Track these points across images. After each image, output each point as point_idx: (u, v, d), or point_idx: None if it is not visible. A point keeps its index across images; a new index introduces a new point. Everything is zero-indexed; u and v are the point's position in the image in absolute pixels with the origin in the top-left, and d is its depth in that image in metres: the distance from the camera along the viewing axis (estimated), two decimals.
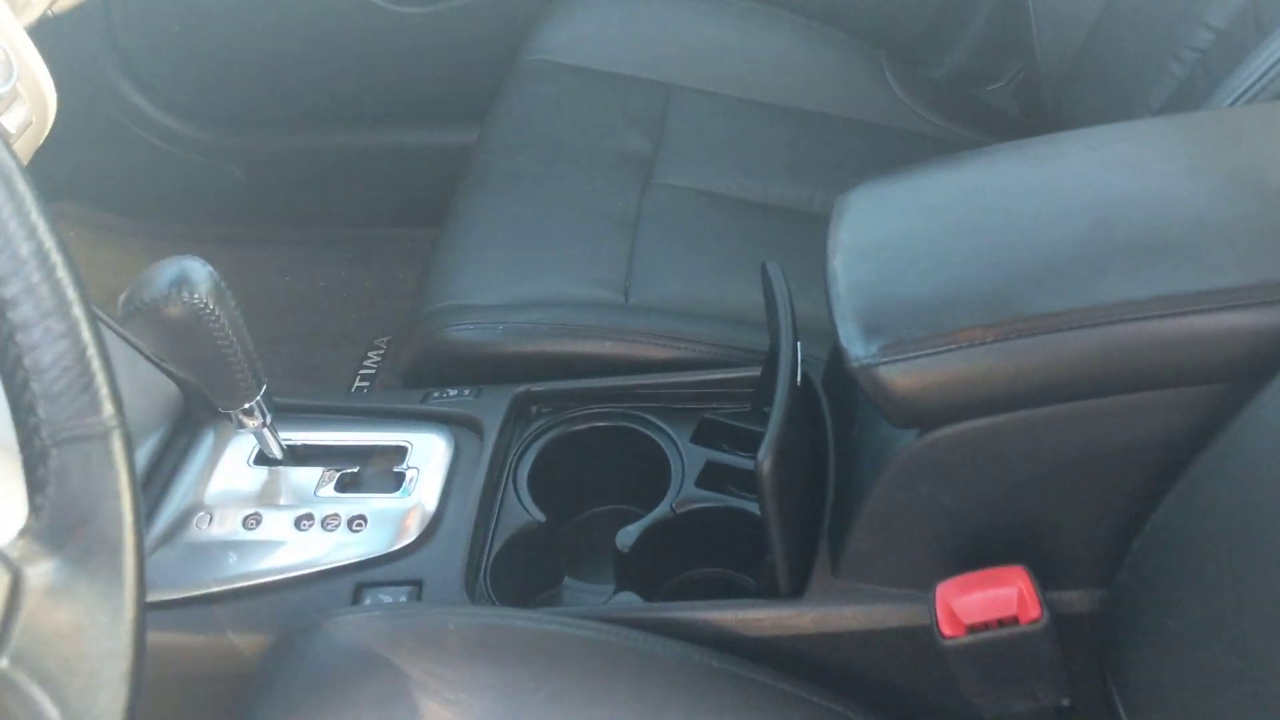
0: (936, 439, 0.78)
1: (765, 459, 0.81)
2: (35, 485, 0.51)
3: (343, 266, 1.87)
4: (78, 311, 0.53)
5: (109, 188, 1.95)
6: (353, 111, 1.85)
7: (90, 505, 0.51)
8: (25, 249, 0.52)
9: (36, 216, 0.52)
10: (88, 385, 0.52)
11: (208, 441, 1.06)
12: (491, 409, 1.07)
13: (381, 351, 1.71)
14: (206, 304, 0.88)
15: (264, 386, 0.96)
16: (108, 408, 0.52)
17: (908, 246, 0.82)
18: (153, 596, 0.95)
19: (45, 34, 1.44)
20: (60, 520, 0.51)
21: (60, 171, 1.91)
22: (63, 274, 0.53)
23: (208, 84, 1.86)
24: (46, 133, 0.98)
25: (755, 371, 1.06)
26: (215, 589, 0.95)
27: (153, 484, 1.03)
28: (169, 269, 0.89)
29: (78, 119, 1.89)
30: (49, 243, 0.53)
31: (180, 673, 0.94)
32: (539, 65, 1.56)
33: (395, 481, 1.00)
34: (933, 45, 1.75)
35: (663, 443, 1.05)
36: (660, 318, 1.16)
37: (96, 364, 0.53)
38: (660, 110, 1.50)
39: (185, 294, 0.88)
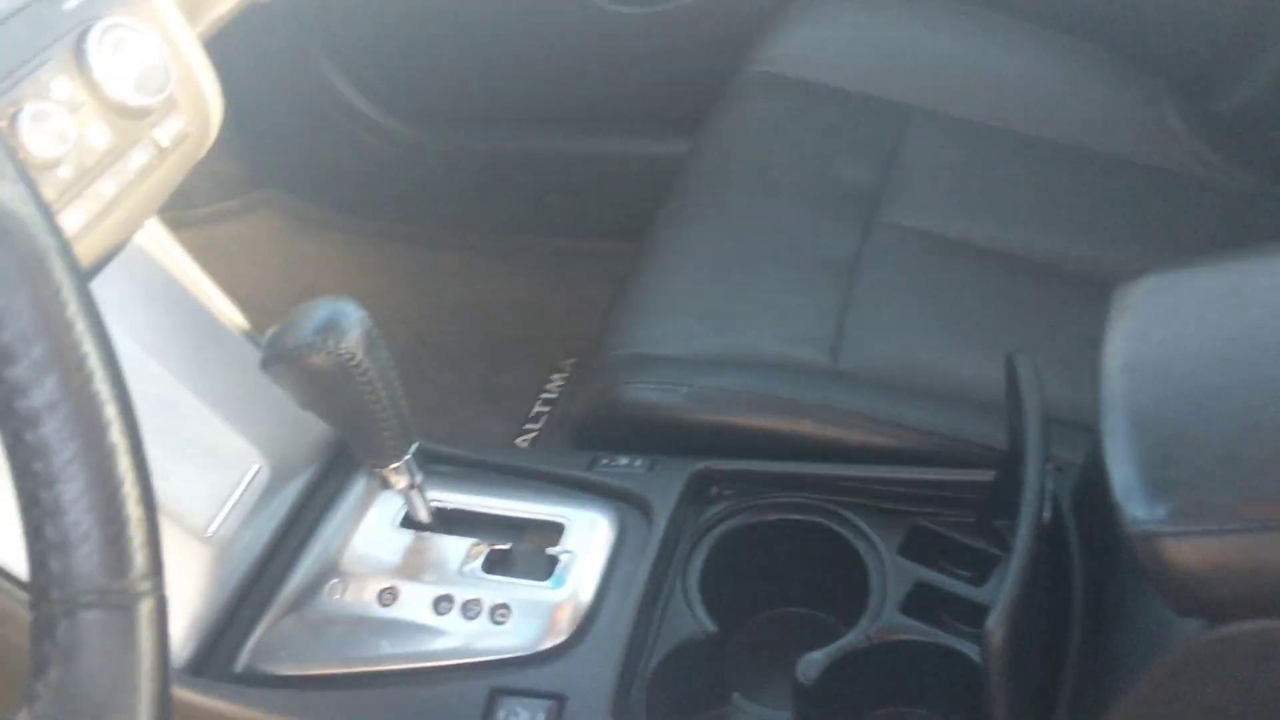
0: (1230, 635, 0.59)
1: (997, 628, 0.64)
2: (36, 665, 0.39)
3: (537, 278, 1.76)
4: (115, 436, 0.41)
5: (313, 178, 1.91)
6: (561, 115, 1.74)
7: (101, 699, 0.39)
8: (53, 351, 0.40)
9: (75, 310, 0.41)
10: (118, 536, 0.40)
11: (356, 491, 0.96)
12: (665, 487, 0.92)
13: (566, 376, 1.60)
14: (354, 355, 0.78)
15: (415, 445, 0.85)
16: (140, 566, 0.40)
17: (1214, 370, 0.62)
18: (269, 669, 0.85)
19: (258, 23, 1.40)
20: (61, 715, 0.39)
21: (267, 158, 1.89)
22: (100, 385, 0.41)
23: (418, 79, 1.78)
24: (207, 146, 0.90)
25: (987, 476, 0.88)
26: (337, 671, 0.84)
27: (290, 537, 0.93)
28: (318, 313, 0.78)
29: (287, 107, 1.87)
30: (86, 345, 0.41)
31: None
32: (762, 77, 1.40)
33: (547, 566, 0.87)
34: (1222, 74, 1.49)
35: (863, 549, 0.89)
36: (873, 395, 0.99)
37: (133, 507, 0.41)
38: (894, 135, 1.32)
39: (332, 343, 0.77)
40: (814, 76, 1.38)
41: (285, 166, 1.90)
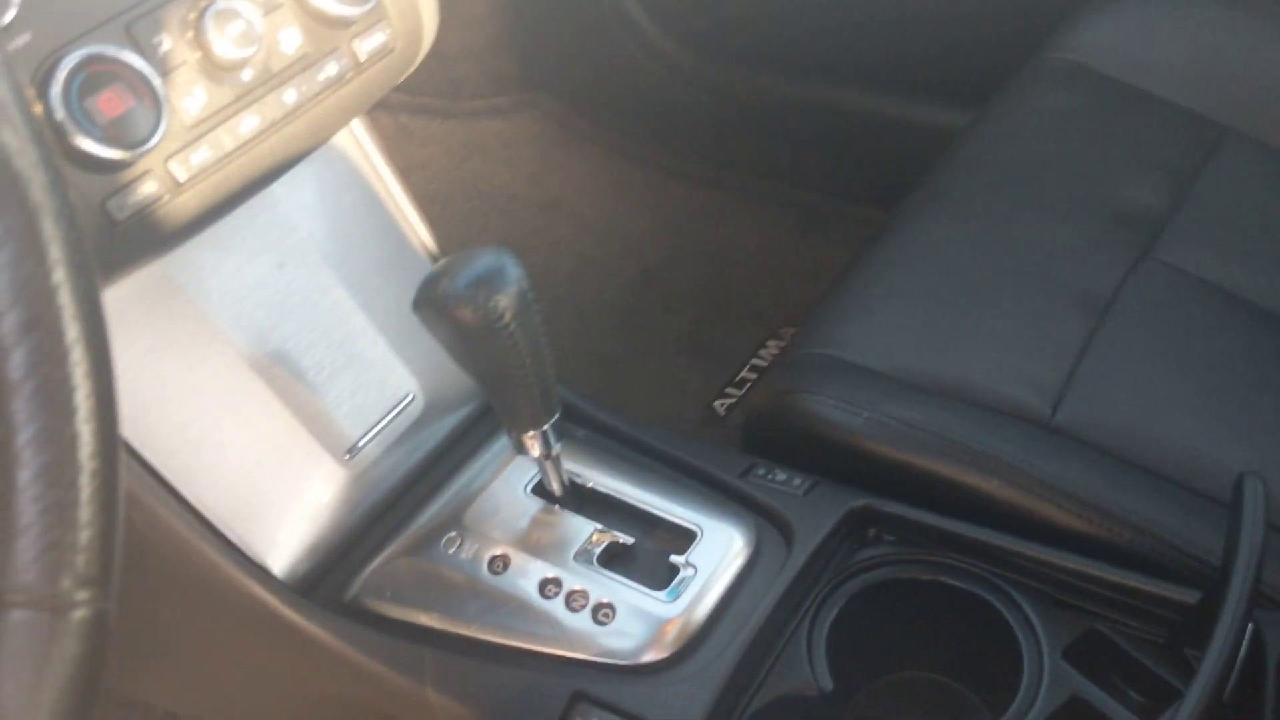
0: None
1: None
2: None
3: (778, 233, 1.67)
4: (80, 424, 0.37)
5: (583, 88, 1.87)
6: (842, 65, 1.62)
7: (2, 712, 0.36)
8: (26, 322, 0.36)
9: (60, 280, 0.37)
10: (62, 536, 0.36)
11: (498, 445, 0.92)
12: (818, 515, 0.83)
13: (783, 343, 1.51)
14: (503, 315, 0.72)
15: (555, 416, 0.80)
16: (81, 571, 0.37)
17: None
18: (373, 606, 0.83)
19: None
20: None
21: (542, 61, 1.87)
22: (75, 366, 0.37)
23: (707, 6, 1.70)
24: (412, 66, 0.86)
25: (1191, 596, 0.74)
26: (433, 624, 0.81)
27: (428, 477, 0.91)
28: (475, 264, 0.73)
29: (570, 13, 1.84)
30: (67, 319, 0.37)
31: (362, 699, 0.82)
32: (1062, 65, 1.24)
33: (667, 574, 0.81)
34: None
35: (1024, 640, 0.77)
36: (1084, 466, 0.85)
37: (85, 506, 0.37)
38: (1199, 157, 1.13)
39: (482, 297, 0.72)
40: (1119, 73, 1.20)
41: (558, 72, 1.88)
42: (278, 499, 0.85)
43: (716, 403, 1.44)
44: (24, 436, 0.36)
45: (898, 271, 1.04)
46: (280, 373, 0.84)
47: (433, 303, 0.73)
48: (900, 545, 0.83)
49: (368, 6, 0.77)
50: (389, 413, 0.90)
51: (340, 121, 0.82)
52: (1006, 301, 1.00)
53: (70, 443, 0.36)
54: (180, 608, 0.90)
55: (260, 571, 0.82)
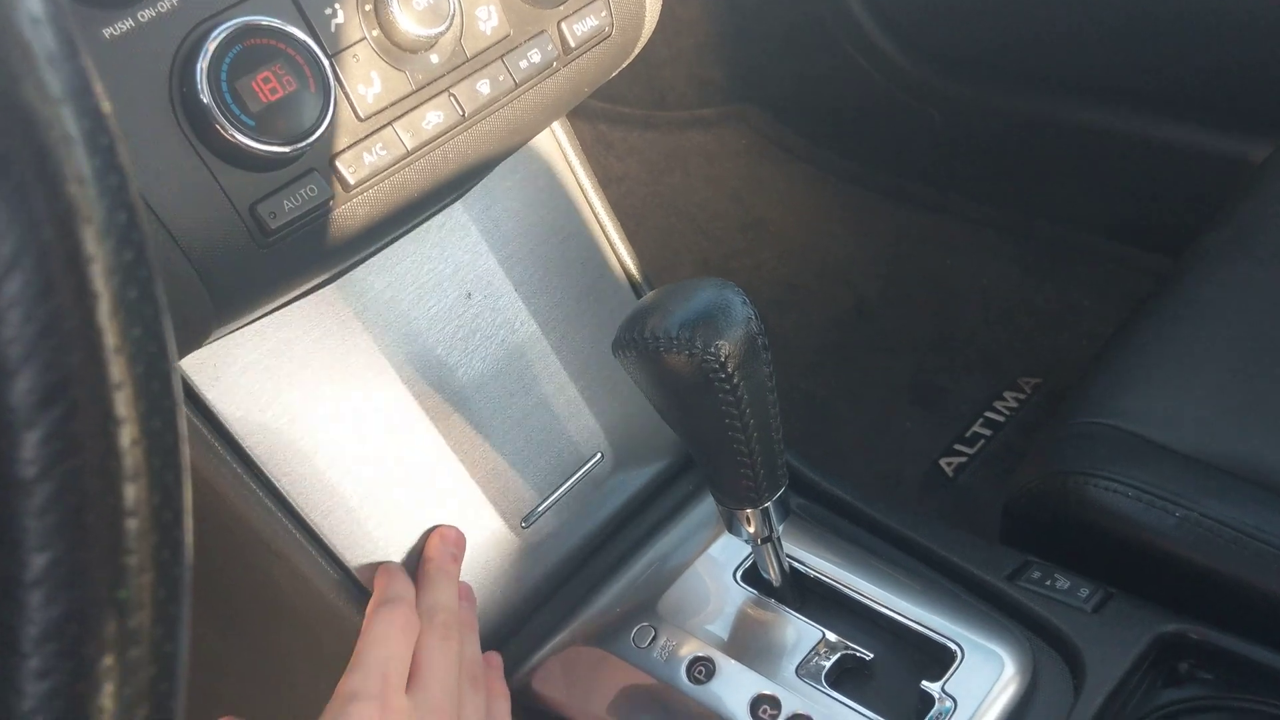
0: None
1: None
2: None
3: (1020, 269, 1.47)
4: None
5: (796, 101, 1.71)
6: (1099, 86, 1.41)
7: None
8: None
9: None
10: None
11: (700, 514, 0.77)
12: (1115, 640, 0.65)
13: (1022, 397, 1.31)
14: (725, 365, 0.57)
15: (780, 490, 0.64)
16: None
17: None
18: (546, 693, 0.69)
19: None
20: None
21: (755, 72, 1.71)
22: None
23: (942, 17, 1.51)
24: (630, 55, 0.71)
25: None
26: None
27: (614, 545, 0.76)
28: (694, 300, 0.59)
29: (790, 23, 1.68)
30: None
31: None
32: None
33: (915, 706, 0.64)
34: None
35: None
36: None
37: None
38: None
39: (700, 343, 0.57)
40: None
41: (770, 83, 1.72)
42: None
43: (943, 461, 1.25)
44: (33, 570, 0.22)
45: (1194, 327, 0.85)
46: (457, 421, 0.70)
47: (637, 345, 0.59)
48: (1221, 687, 0.64)
49: None
50: (574, 475, 0.76)
51: (542, 121, 0.68)
52: None
53: (100, 583, 0.23)
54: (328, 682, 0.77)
55: None
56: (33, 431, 0.22)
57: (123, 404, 0.23)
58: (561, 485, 0.75)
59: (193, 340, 0.57)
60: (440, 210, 0.71)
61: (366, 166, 0.57)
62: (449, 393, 0.70)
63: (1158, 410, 0.77)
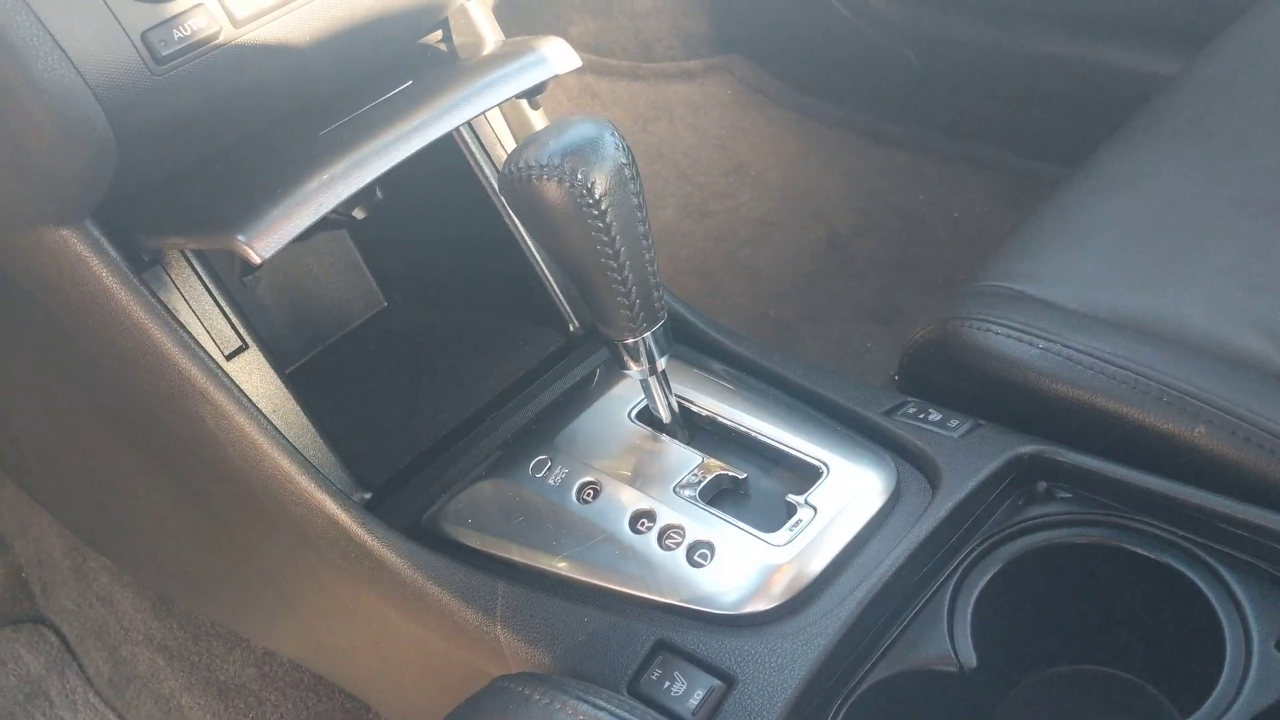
0: None
1: None
2: None
3: (981, 200, 1.50)
4: None
5: (778, 48, 1.75)
6: (1061, 15, 1.43)
7: None
8: None
9: None
10: None
11: (599, 359, 0.82)
12: (974, 458, 0.69)
13: None
14: (592, 191, 0.62)
15: (659, 324, 0.68)
16: None
17: None
18: (449, 530, 0.74)
19: None
20: None
21: (738, 22, 1.76)
22: None
23: None
24: None
25: None
26: (511, 556, 0.71)
27: (521, 387, 0.82)
28: (568, 133, 0.63)
29: None
30: None
31: (434, 638, 0.73)
32: None
33: (781, 515, 0.68)
34: None
35: (1228, 624, 0.60)
36: None
37: None
38: None
39: (569, 168, 0.62)
40: None
41: (753, 33, 1.76)
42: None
43: (895, 374, 1.28)
44: None
45: (1105, 199, 0.88)
46: None
47: (515, 176, 0.64)
48: (1077, 503, 0.68)
49: None
50: None
51: None
52: (1232, 230, 0.81)
53: None
54: (269, 537, 0.83)
55: (333, 488, 0.74)
56: None
57: None
58: None
59: (97, 175, 0.62)
60: None
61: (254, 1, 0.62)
62: None
63: (1050, 272, 0.80)
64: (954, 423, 0.72)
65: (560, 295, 0.89)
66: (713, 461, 0.71)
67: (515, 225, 0.88)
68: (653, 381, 0.71)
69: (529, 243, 0.89)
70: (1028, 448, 0.69)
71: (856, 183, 1.59)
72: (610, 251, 0.64)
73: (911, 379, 0.81)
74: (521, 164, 0.63)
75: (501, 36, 0.85)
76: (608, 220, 0.63)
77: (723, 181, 1.65)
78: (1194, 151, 0.89)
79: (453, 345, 0.90)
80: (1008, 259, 0.84)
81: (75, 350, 0.79)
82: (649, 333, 0.68)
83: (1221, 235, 0.81)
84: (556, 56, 0.77)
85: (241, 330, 0.74)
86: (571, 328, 0.89)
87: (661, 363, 0.70)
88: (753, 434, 0.73)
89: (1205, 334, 0.74)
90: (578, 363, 0.86)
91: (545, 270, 0.89)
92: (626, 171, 0.64)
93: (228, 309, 0.74)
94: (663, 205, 1.63)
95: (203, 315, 0.72)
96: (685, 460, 0.71)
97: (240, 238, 0.64)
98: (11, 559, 1.22)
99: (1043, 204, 0.90)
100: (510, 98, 0.75)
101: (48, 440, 1.05)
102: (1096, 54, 1.42)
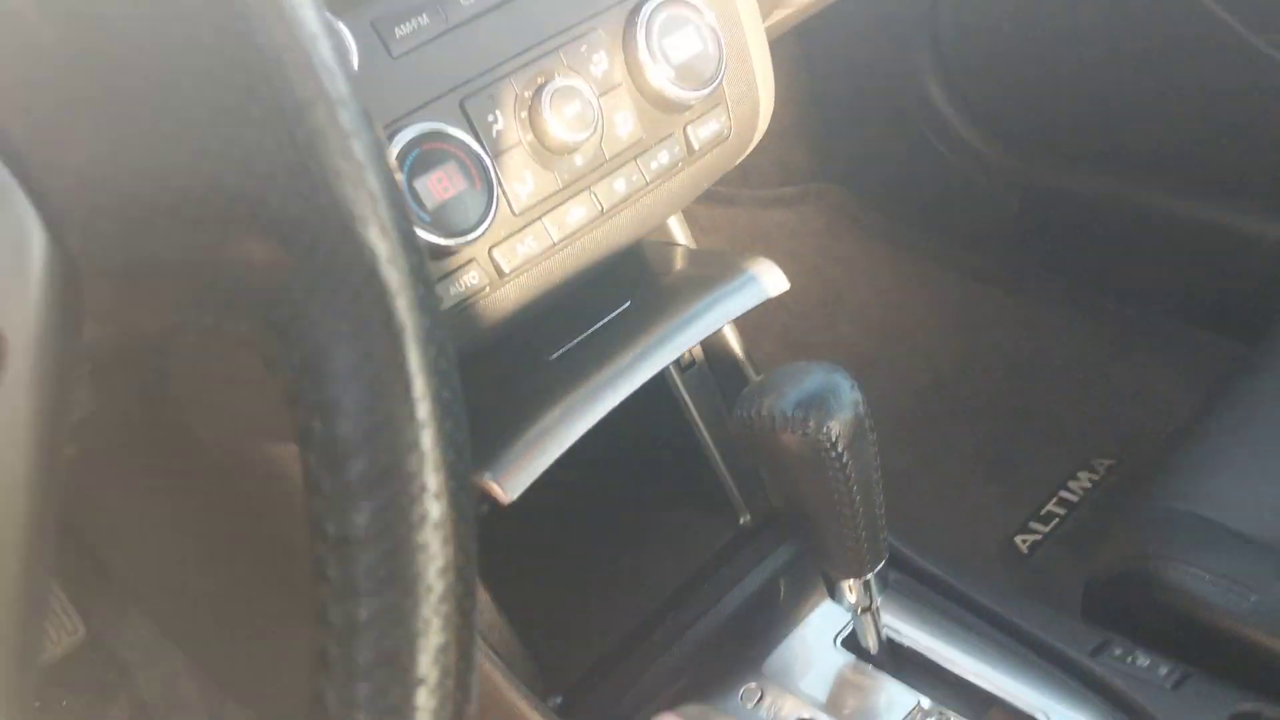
0: None
1: None
2: None
3: (1095, 347, 1.50)
4: (436, 607, 0.29)
5: (876, 180, 1.77)
6: (1175, 170, 1.45)
7: None
8: (383, 462, 0.29)
9: (427, 413, 0.29)
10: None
11: (809, 580, 0.82)
12: (1191, 713, 0.69)
13: (1095, 477, 1.34)
14: (835, 445, 0.62)
15: (881, 562, 0.69)
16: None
17: None
18: None
19: (857, 19, 1.27)
20: None
21: (835, 151, 1.78)
22: (437, 527, 0.29)
23: (1019, 101, 1.57)
24: (746, 152, 0.78)
25: None
26: None
27: (698, 583, 0.82)
28: (806, 382, 0.64)
29: (870, 106, 1.75)
30: (433, 460, 0.29)
31: None
32: None
33: None
34: None
35: None
36: None
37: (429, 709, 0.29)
38: None
39: (814, 423, 0.62)
40: None
41: (849, 163, 1.78)
42: None
43: (1019, 538, 1.28)
44: (367, 612, 0.28)
45: (1271, 413, 0.88)
46: None
47: (754, 423, 0.64)
48: None
49: (708, 90, 0.69)
50: None
51: (666, 212, 0.75)
52: None
53: (421, 627, 0.29)
54: None
55: (526, 690, 0.74)
56: (368, 501, 0.28)
57: (438, 482, 0.29)
58: None
59: None
60: None
61: (519, 256, 0.63)
62: None
63: (1233, 495, 0.81)
64: (1163, 669, 0.72)
65: (733, 486, 0.90)
66: (930, 704, 0.71)
67: (695, 413, 0.89)
68: (865, 617, 0.72)
69: (705, 432, 0.89)
70: (1248, 705, 0.68)
71: (956, 320, 1.60)
72: (847, 499, 0.65)
73: (1100, 610, 0.81)
74: (764, 413, 0.64)
75: (691, 243, 0.87)
76: (847, 471, 0.64)
77: (820, 312, 1.66)
78: None
79: (624, 528, 0.91)
80: (1185, 476, 0.85)
81: (241, 498, 0.79)
82: (872, 573, 0.69)
83: None
84: (768, 278, 0.77)
85: None
86: (742, 520, 0.90)
87: (879, 599, 0.70)
88: (964, 675, 0.72)
89: None
90: (754, 563, 0.86)
91: (719, 459, 0.90)
92: (866, 422, 0.65)
93: None
94: (761, 336, 1.64)
95: None
96: (900, 700, 0.71)
97: (489, 476, 0.64)
98: (134, 691, 1.21)
99: (1208, 413, 0.91)
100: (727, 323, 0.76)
101: (189, 576, 1.04)
102: (1207, 212, 1.44)
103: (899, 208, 1.73)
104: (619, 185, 0.68)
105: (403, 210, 0.29)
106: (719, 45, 0.69)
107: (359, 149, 0.28)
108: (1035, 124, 1.58)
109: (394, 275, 0.28)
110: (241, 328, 0.29)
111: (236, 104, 0.26)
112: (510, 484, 0.64)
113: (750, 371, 0.92)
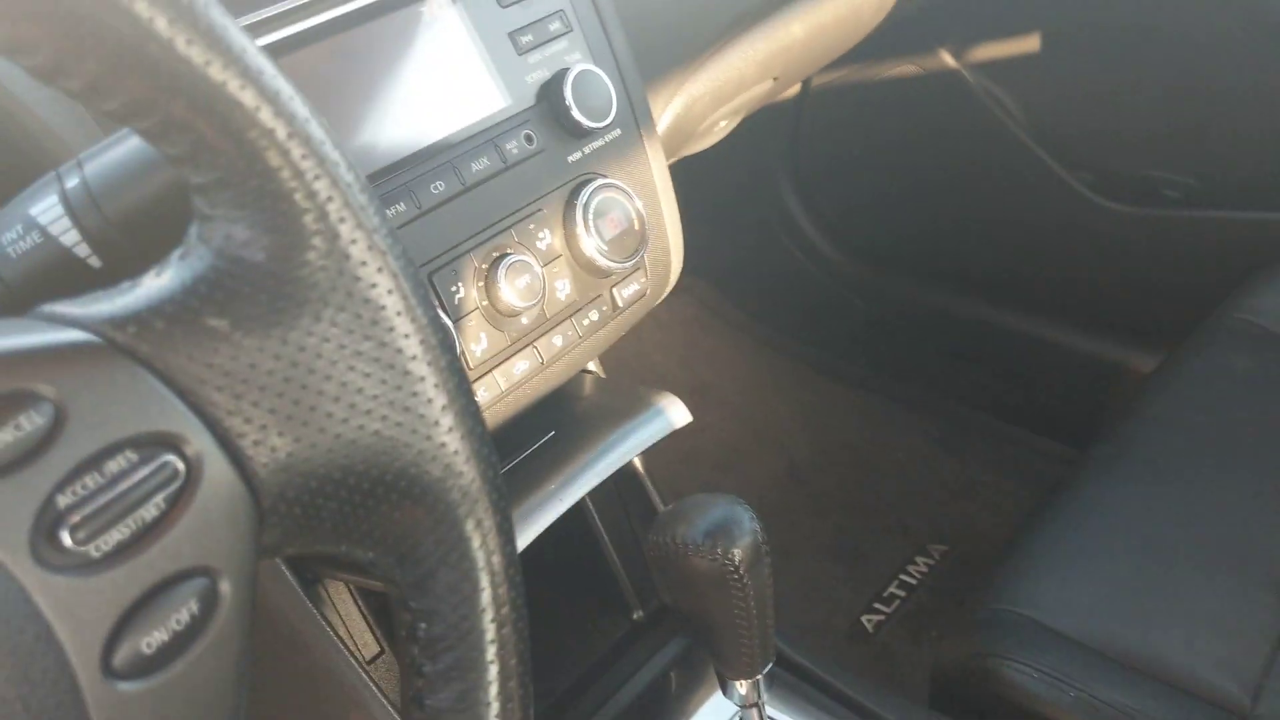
0: None
1: None
2: None
3: (931, 445, 1.68)
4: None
5: (737, 278, 1.93)
6: (1002, 288, 1.65)
7: None
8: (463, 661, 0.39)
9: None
10: None
11: (704, 676, 0.93)
12: None
13: (931, 562, 1.50)
14: (738, 569, 0.74)
15: (771, 663, 0.80)
16: None
17: None
18: None
19: (729, 140, 1.42)
20: None
21: (701, 247, 1.92)
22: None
23: (866, 219, 1.76)
24: (658, 301, 0.90)
25: None
26: None
27: (595, 674, 0.93)
28: (714, 511, 0.76)
29: (734, 209, 1.91)
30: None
31: None
32: (1244, 326, 1.25)
33: None
34: None
35: None
36: None
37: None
38: None
39: (720, 549, 0.74)
40: None
41: (716, 260, 1.93)
42: None
43: (865, 618, 1.43)
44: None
45: (1087, 529, 1.04)
46: None
47: (667, 547, 0.75)
48: None
49: (633, 262, 0.81)
50: None
51: (590, 356, 0.86)
52: (1198, 576, 0.99)
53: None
54: None
55: None
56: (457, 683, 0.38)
57: (507, 674, 0.39)
58: None
59: None
60: None
61: None
62: None
63: (1058, 599, 0.96)
64: None
65: (627, 582, 1.01)
66: None
67: (594, 514, 0.99)
68: (752, 711, 0.83)
69: (603, 532, 1.00)
70: None
71: (810, 413, 1.75)
72: (745, 612, 0.76)
73: (947, 700, 0.95)
74: (678, 540, 0.75)
75: (602, 372, 0.98)
76: (747, 590, 0.76)
77: (689, 400, 1.78)
78: (1157, 490, 1.07)
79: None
80: (1017, 582, 1.00)
81: None
82: (762, 673, 0.80)
83: (1187, 578, 0.98)
84: (673, 411, 0.89)
85: (381, 637, 0.83)
86: (635, 615, 1.01)
87: (764, 697, 0.82)
88: None
89: (1188, 676, 0.90)
90: (647, 657, 0.97)
91: (614, 556, 1.00)
92: (764, 548, 0.77)
93: (370, 618, 0.83)
94: None
95: (348, 618, 0.81)
96: None
97: None
98: None
99: (1035, 524, 1.07)
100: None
101: None
102: (1032, 326, 1.64)
103: (760, 306, 1.89)
104: (557, 340, 0.79)
105: (500, 488, 0.40)
106: (643, 222, 0.81)
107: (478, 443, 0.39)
108: (880, 239, 1.76)
109: (486, 534, 0.39)
110: (368, 555, 0.38)
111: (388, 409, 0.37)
112: None
113: (640, 467, 1.03)
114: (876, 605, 1.45)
